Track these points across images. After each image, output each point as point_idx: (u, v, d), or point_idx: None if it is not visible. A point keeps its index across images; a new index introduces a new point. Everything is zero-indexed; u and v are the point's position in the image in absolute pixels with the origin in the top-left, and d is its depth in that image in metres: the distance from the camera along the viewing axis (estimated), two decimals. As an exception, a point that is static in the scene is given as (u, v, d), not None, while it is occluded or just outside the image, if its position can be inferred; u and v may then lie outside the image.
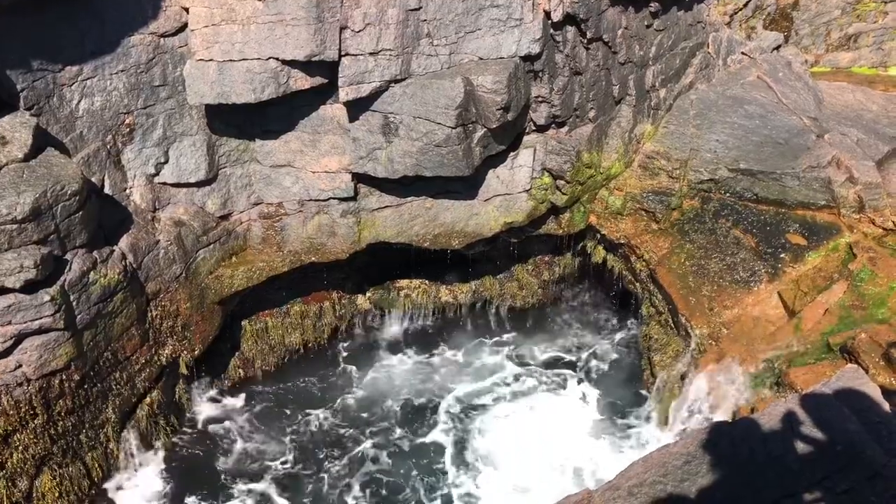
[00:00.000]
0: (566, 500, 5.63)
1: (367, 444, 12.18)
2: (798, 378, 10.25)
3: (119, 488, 11.05)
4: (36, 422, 9.66)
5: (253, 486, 11.40)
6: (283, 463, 11.79)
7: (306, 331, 14.05)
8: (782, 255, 12.53)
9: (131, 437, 11.21)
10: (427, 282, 14.95)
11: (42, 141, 9.71)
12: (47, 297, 9.19)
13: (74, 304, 9.67)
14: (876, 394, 6.35)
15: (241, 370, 13.51)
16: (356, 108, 11.48)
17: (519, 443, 12.08)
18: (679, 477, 5.53)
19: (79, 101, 10.29)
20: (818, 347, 10.80)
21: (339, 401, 13.05)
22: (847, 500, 5.45)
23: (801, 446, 5.76)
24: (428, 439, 12.32)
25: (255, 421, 12.57)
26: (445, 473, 11.68)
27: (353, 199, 12.43)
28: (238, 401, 13.00)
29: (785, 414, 5.99)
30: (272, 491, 11.32)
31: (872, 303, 11.15)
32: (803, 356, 10.78)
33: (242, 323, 13.51)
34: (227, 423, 12.50)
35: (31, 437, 9.66)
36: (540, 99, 12.47)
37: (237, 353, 13.52)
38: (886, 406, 6.26)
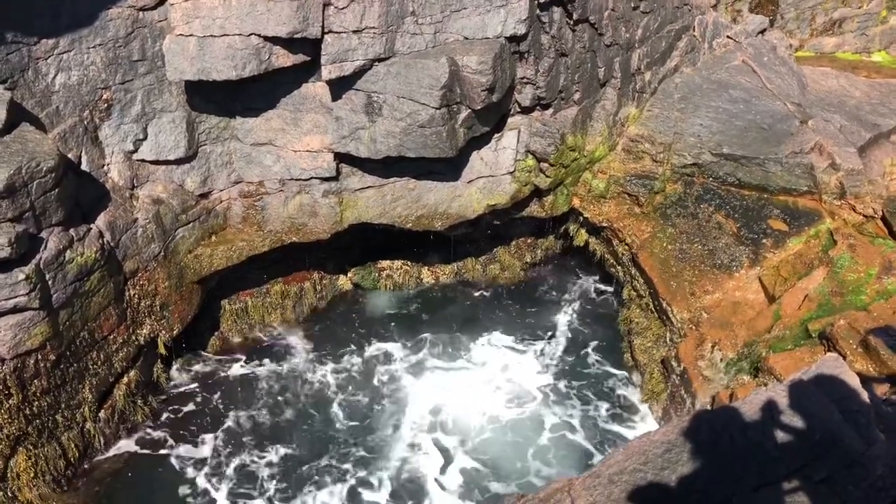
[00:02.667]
0: (547, 486, 5.62)
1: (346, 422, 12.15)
2: (777, 364, 10.32)
3: (95, 468, 10.95)
4: (11, 402, 9.51)
5: (230, 462, 11.33)
6: (256, 442, 11.71)
7: (286, 311, 13.95)
8: (763, 241, 12.58)
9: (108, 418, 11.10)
10: (409, 263, 14.88)
11: (17, 116, 9.49)
12: (22, 276, 9.02)
13: (50, 282, 9.50)
14: (855, 382, 6.38)
15: (219, 349, 13.39)
16: (339, 86, 11.32)
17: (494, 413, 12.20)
18: (659, 465, 5.53)
19: (55, 76, 10.05)
20: (797, 333, 10.87)
21: (319, 376, 12.98)
22: (825, 488, 5.49)
23: (780, 435, 5.78)
24: (410, 413, 12.30)
25: (233, 400, 12.46)
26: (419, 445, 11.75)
27: (335, 178, 12.31)
28: (216, 380, 12.87)
29: (765, 402, 6.00)
30: (249, 470, 11.26)
31: (851, 289, 11.22)
32: (782, 342, 10.85)
33: (222, 302, 13.39)
34: (205, 403, 12.39)
35: (6, 417, 9.52)
36: (525, 80, 12.37)
37: (216, 333, 13.41)
38: (865, 395, 6.30)
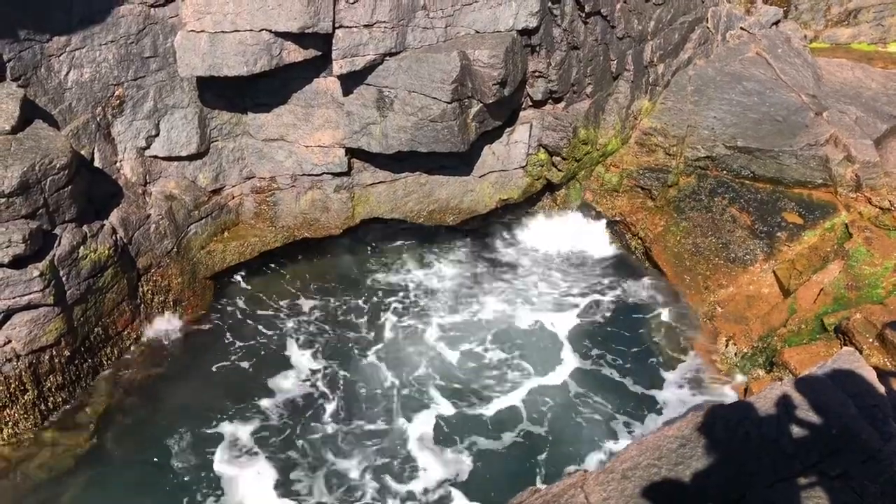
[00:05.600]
0: (560, 482, 5.60)
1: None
2: (792, 358, 10.24)
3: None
4: (26, 397, 9.58)
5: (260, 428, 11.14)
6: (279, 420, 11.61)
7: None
8: (778, 234, 12.48)
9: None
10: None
11: (30, 113, 9.54)
12: (36, 273, 9.07)
13: (64, 279, 9.55)
14: (871, 377, 6.32)
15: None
16: (350, 81, 11.31)
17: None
18: (673, 460, 5.50)
19: (67, 72, 10.09)
20: (812, 327, 10.79)
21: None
22: (841, 483, 5.43)
23: (796, 430, 5.73)
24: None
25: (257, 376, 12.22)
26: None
27: (347, 174, 12.31)
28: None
29: (780, 397, 5.96)
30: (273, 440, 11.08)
31: (867, 283, 11.12)
32: (797, 336, 10.77)
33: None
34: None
35: (22, 412, 9.59)
36: (537, 74, 12.31)
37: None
38: (882, 389, 6.24)
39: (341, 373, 11.69)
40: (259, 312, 12.58)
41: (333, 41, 10.77)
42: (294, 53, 10.74)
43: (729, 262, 12.40)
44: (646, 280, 13.32)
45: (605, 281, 13.82)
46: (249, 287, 13.07)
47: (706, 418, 5.79)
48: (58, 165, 9.18)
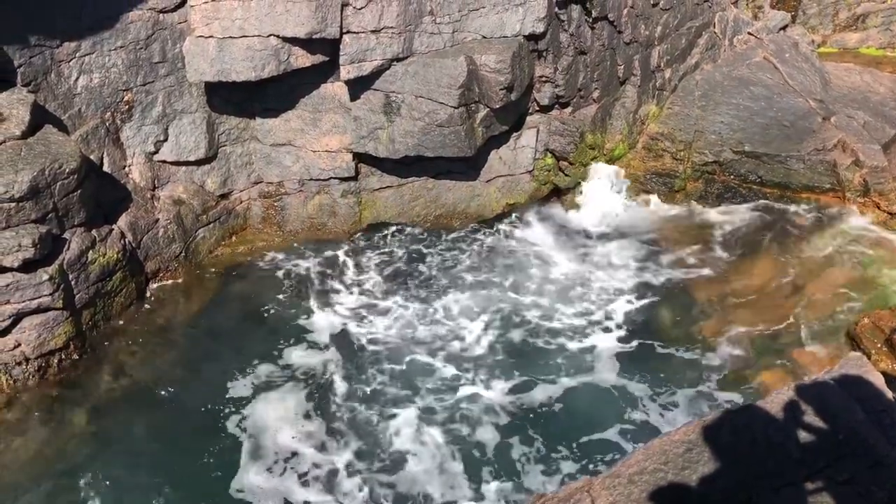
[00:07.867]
0: (567, 487, 5.60)
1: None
2: (801, 361, 10.22)
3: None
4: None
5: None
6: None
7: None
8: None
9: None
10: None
11: (40, 118, 9.62)
12: (46, 276, 9.13)
13: (73, 283, 9.61)
14: (879, 382, 6.30)
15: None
16: (357, 86, 11.36)
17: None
18: (680, 465, 5.49)
19: (77, 78, 10.17)
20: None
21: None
22: (848, 489, 5.41)
23: (803, 435, 5.72)
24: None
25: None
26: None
27: (354, 178, 12.35)
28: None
29: (787, 402, 5.94)
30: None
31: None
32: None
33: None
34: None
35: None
36: (544, 79, 12.34)
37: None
38: (890, 394, 6.22)
39: (356, 352, 11.17)
40: (264, 306, 12.53)
41: (341, 46, 10.83)
42: (302, 59, 10.80)
43: (736, 267, 12.38)
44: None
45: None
46: (255, 284, 13.08)
47: (712, 422, 5.78)
48: (67, 170, 9.25)
